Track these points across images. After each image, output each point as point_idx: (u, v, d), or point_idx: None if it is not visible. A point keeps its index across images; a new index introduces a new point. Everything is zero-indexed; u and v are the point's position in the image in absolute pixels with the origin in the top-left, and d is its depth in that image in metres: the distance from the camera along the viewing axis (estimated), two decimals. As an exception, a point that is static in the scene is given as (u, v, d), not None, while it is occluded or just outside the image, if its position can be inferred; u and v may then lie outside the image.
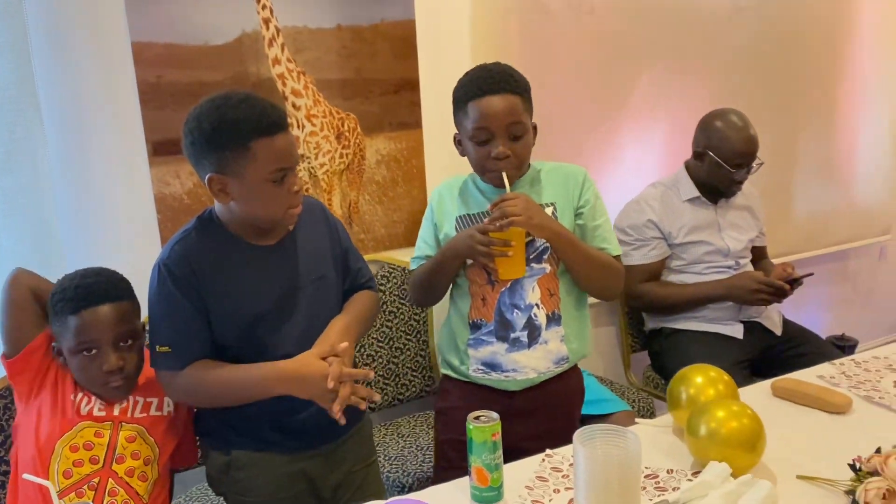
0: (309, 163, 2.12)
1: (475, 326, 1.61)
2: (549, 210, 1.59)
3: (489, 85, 1.49)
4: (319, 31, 2.06)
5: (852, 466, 1.15)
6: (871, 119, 3.14)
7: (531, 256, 1.57)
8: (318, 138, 2.11)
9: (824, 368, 1.70)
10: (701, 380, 1.47)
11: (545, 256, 1.57)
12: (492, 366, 1.61)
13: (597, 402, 2.09)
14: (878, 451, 1.13)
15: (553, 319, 1.59)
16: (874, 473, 1.10)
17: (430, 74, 2.23)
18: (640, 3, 2.53)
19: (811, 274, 2.25)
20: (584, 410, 1.76)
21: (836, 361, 1.73)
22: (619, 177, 2.61)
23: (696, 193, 2.32)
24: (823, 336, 3.23)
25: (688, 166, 2.36)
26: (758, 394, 1.60)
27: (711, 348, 2.23)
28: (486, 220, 1.51)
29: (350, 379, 1.32)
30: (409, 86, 2.22)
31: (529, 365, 1.59)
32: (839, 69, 3.02)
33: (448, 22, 2.24)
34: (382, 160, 2.23)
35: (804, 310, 3.22)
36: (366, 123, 2.18)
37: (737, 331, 2.28)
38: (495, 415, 1.19)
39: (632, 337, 2.56)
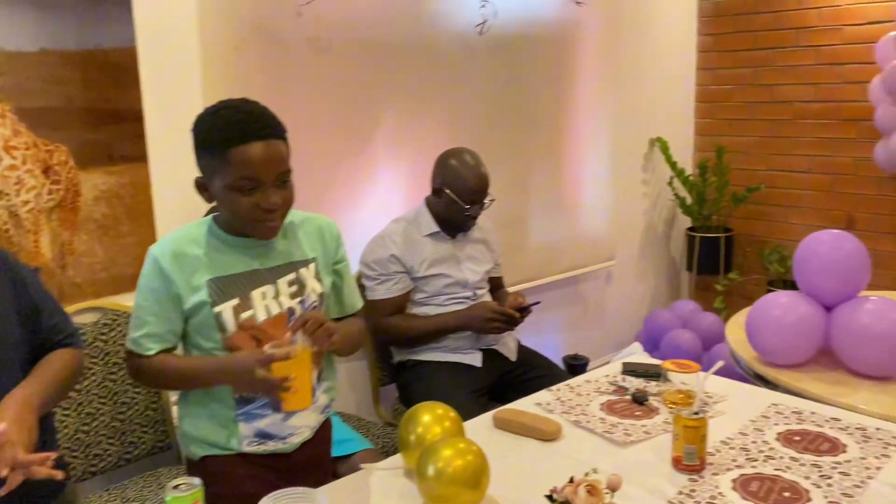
0: (9, 200, 1.88)
1: (244, 401, 1.49)
2: (311, 266, 1.54)
3: (254, 130, 1.38)
4: (19, 55, 1.84)
5: (549, 497, 1.22)
6: (593, 157, 3.48)
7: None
8: (19, 172, 1.88)
9: (542, 395, 1.81)
10: (428, 418, 1.49)
11: None
12: (267, 435, 1.51)
13: (339, 442, 2.06)
14: (571, 480, 1.21)
15: (320, 378, 1.58)
16: (567, 503, 1.17)
17: (156, 106, 2.09)
18: (377, 43, 2.59)
19: (538, 302, 2.41)
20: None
21: (554, 387, 1.86)
22: (365, 213, 2.63)
23: (436, 228, 2.40)
24: (559, 356, 3.51)
25: (428, 202, 2.44)
26: (482, 426, 1.66)
27: (453, 378, 2.31)
28: (269, 346, 1.37)
29: (24, 466, 1.13)
30: (132, 117, 2.06)
31: (305, 425, 1.56)
32: (564, 112, 3.31)
33: (174, 51, 2.11)
34: (102, 196, 2.04)
35: (544, 332, 3.46)
36: (81, 156, 1.98)
37: (476, 359, 2.38)
38: (196, 481, 1.10)
39: (381, 370, 2.57)
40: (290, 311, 1.49)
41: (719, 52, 3.99)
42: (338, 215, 2.58)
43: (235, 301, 1.45)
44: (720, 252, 3.88)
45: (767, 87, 3.85)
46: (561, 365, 3.44)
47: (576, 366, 3.32)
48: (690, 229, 3.99)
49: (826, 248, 1.99)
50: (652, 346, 3.64)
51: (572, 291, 3.63)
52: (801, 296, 2.04)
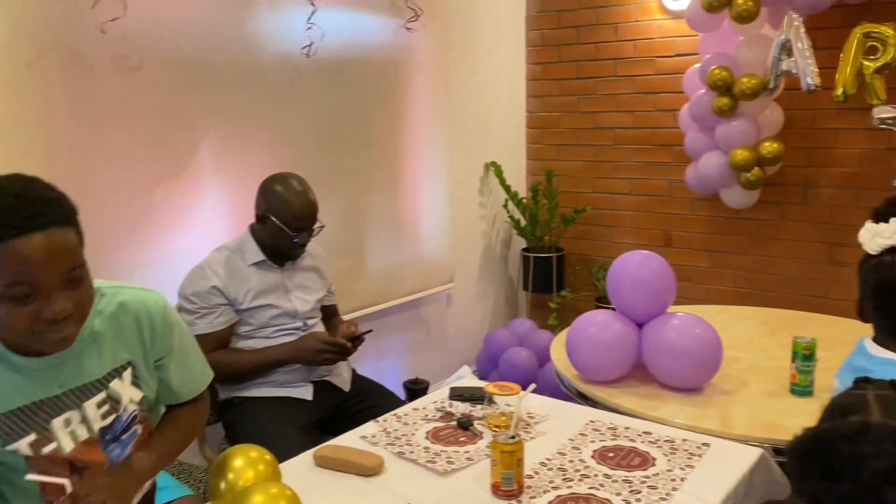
0: None
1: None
2: (126, 374, 1.30)
3: (24, 219, 1.06)
4: None
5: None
6: (430, 181, 3.51)
7: (109, 438, 1.30)
8: None
9: (367, 427, 1.77)
10: (241, 462, 1.41)
11: (133, 426, 1.34)
12: None
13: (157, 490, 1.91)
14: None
15: None
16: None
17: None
18: (194, 63, 2.47)
19: (370, 330, 2.37)
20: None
21: (381, 418, 1.82)
22: (186, 242, 2.48)
23: (262, 257, 2.30)
24: (400, 380, 3.48)
25: (252, 230, 2.34)
26: (302, 466, 1.59)
27: (282, 413, 2.21)
28: None
29: None
30: None
31: None
32: (400, 136, 3.32)
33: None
34: None
35: (385, 358, 3.43)
36: None
37: (307, 392, 2.30)
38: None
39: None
40: (103, 430, 1.29)
41: (547, 81, 4.17)
42: (153, 246, 2.42)
43: (32, 437, 1.21)
44: (553, 271, 4.03)
45: (591, 114, 4.06)
46: (401, 390, 3.42)
47: (416, 390, 3.31)
48: (525, 250, 4.12)
49: (635, 268, 2.10)
50: (491, 366, 3.71)
51: (413, 315, 3.62)
52: (616, 314, 2.14)
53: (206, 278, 2.22)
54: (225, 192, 2.62)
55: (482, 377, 3.82)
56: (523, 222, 4.06)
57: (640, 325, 2.11)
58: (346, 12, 2.97)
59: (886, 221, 1.44)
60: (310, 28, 2.77)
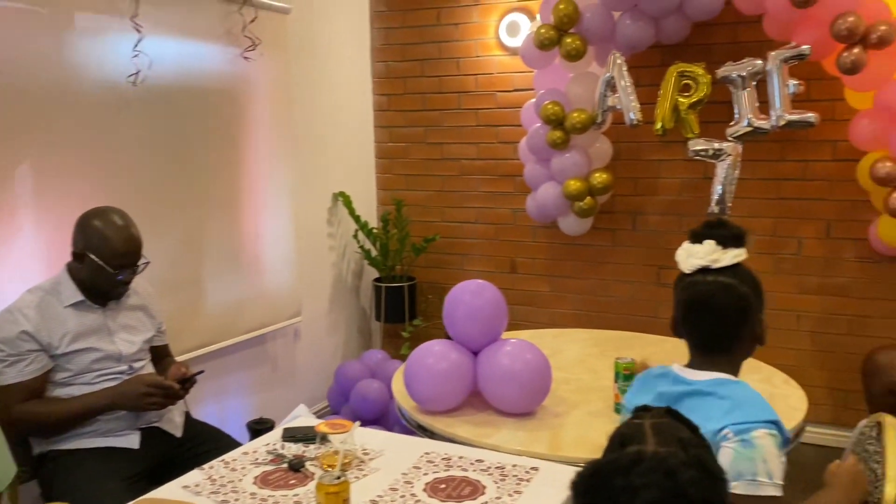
0: None
1: None
2: None
3: None
4: None
5: None
6: (274, 213, 3.43)
7: None
8: None
9: (192, 476, 1.68)
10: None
11: None
12: None
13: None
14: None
15: None
16: None
17: None
18: (6, 89, 2.29)
19: (202, 371, 2.27)
20: None
21: (206, 465, 1.73)
22: (-6, 282, 2.28)
23: (80, 297, 2.14)
24: (244, 421, 3.34)
25: (69, 269, 2.18)
26: (113, 523, 1.48)
27: (105, 465, 2.06)
28: None
29: None
30: None
31: None
32: (241, 167, 3.22)
33: None
34: None
35: (228, 398, 3.29)
36: None
37: (133, 441, 2.15)
38: None
39: (19, 466, 2.21)
40: None
41: (394, 112, 4.22)
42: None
43: None
44: (405, 300, 4.04)
45: (438, 145, 4.14)
46: (245, 431, 3.28)
47: (260, 430, 3.18)
48: (377, 279, 4.11)
49: (469, 297, 2.14)
50: (343, 399, 3.65)
51: (259, 351, 3.51)
52: (452, 343, 2.17)
53: (14, 322, 2.04)
54: (42, 230, 2.43)
55: (334, 411, 3.75)
56: (374, 252, 4.06)
57: (475, 353, 2.15)
58: (177, 40, 2.87)
59: (701, 243, 1.51)
60: (136, 56, 2.65)
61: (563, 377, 2.34)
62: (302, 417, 2.05)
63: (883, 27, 2.78)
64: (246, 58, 3.16)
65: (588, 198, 3.48)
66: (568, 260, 3.92)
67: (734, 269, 1.49)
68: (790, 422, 2.04)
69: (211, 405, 3.14)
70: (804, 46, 2.91)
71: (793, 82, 2.97)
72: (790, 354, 3.49)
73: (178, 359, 2.62)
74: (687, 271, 1.53)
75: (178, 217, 2.93)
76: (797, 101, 3.02)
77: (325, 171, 3.90)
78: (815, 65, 3.09)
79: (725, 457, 1.35)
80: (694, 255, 1.51)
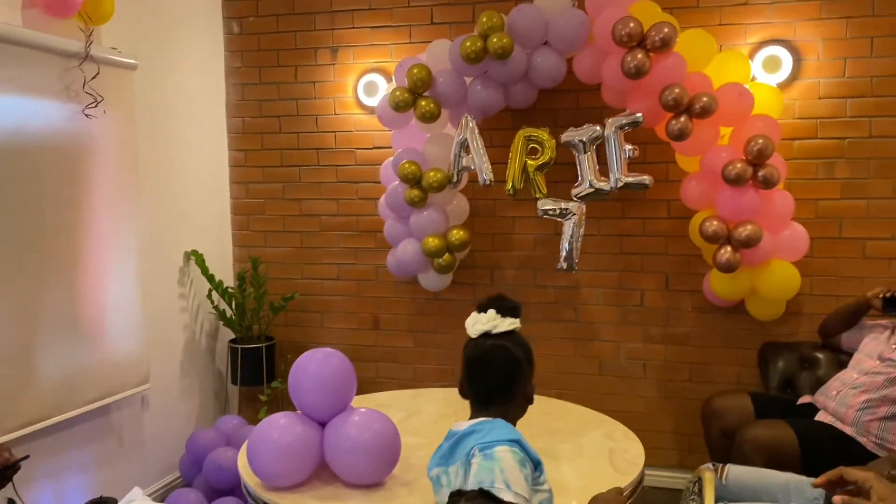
0: None
1: None
2: None
3: None
4: None
5: None
6: (118, 275, 3.24)
7: None
8: None
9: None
10: None
11: None
12: None
13: None
14: None
15: None
16: None
17: None
18: None
19: (27, 457, 2.10)
20: None
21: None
22: None
23: None
24: (84, 501, 3.10)
25: None
26: None
27: None
28: None
29: None
30: None
31: None
32: (81, 229, 3.04)
33: None
34: None
35: (67, 477, 3.04)
36: None
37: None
38: None
39: None
40: None
41: (251, 168, 4.14)
42: None
43: None
44: (263, 361, 3.92)
45: (297, 201, 4.10)
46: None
47: (100, 511, 2.96)
48: (233, 341, 3.97)
49: (315, 366, 2.10)
50: (196, 469, 3.46)
51: (102, 423, 3.27)
52: (298, 415, 2.11)
53: None
54: None
55: (186, 483, 3.56)
56: (229, 313, 3.92)
57: (322, 425, 2.11)
58: (9, 97, 2.69)
59: (486, 312, 1.77)
60: (-43, 113, 2.46)
61: (416, 442, 2.33)
62: (137, 502, 1.92)
63: (705, 98, 3.04)
64: (87, 115, 3.01)
65: (447, 254, 3.54)
66: (430, 315, 3.95)
67: (511, 335, 1.77)
68: (628, 476, 2.13)
69: (45, 487, 2.90)
70: (637, 114, 3.13)
71: (628, 147, 3.17)
72: (639, 402, 3.66)
73: (3, 440, 2.41)
74: (473, 336, 1.78)
75: (6, 284, 2.71)
76: (634, 164, 3.23)
77: (176, 230, 3.75)
78: (650, 130, 3.32)
79: (471, 470, 1.55)
80: (479, 322, 1.77)
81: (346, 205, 4.03)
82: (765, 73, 3.33)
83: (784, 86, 3.34)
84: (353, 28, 3.91)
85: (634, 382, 3.68)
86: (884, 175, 3.29)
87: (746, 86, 3.13)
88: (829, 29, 3.30)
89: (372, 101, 3.86)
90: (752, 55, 3.36)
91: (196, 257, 3.79)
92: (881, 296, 2.94)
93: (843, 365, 3.07)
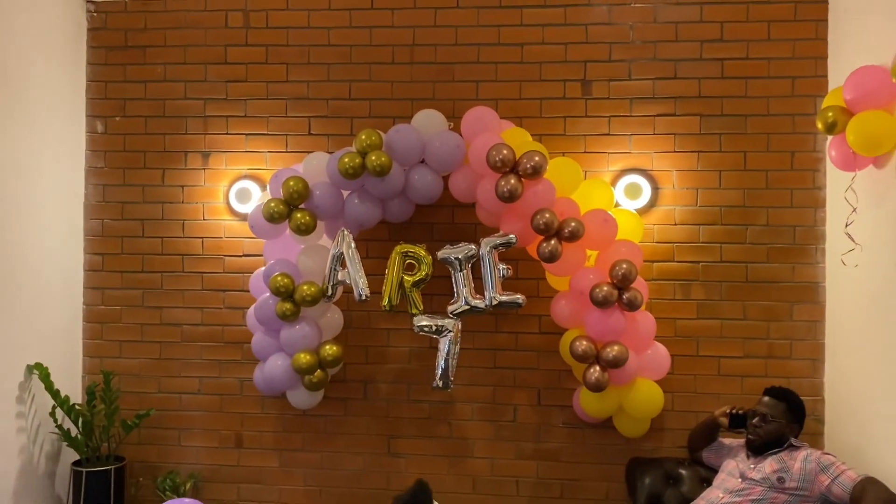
0: None
1: None
2: None
3: None
4: None
5: None
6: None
7: None
8: None
9: None
10: None
11: None
12: None
13: None
14: None
15: None
16: None
17: None
18: None
19: None
20: None
21: None
22: None
23: None
24: None
25: None
26: None
27: None
28: None
29: None
30: None
31: None
32: None
33: None
34: None
35: None
36: None
37: None
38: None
39: None
40: None
41: (108, 273, 3.87)
42: None
43: None
44: (110, 485, 3.55)
45: (158, 309, 3.85)
46: None
47: None
48: (76, 463, 3.58)
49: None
50: None
51: None
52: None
53: None
54: None
55: None
56: (75, 431, 3.56)
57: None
58: None
59: None
60: None
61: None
62: None
63: (573, 223, 3.18)
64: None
65: (319, 371, 3.41)
66: (298, 432, 3.77)
67: None
68: None
69: None
70: (511, 236, 3.23)
71: (502, 266, 3.25)
72: (511, 520, 3.62)
73: None
74: None
75: None
76: (508, 279, 3.29)
77: (16, 342, 3.40)
78: (523, 248, 3.41)
79: None
80: None
81: (212, 314, 3.83)
82: (626, 200, 3.55)
83: (643, 211, 3.56)
84: (226, 134, 3.83)
85: (507, 500, 3.64)
86: (734, 297, 3.54)
87: (610, 212, 3.31)
88: (682, 161, 3.58)
89: (244, 208, 3.75)
90: (614, 182, 3.58)
91: (40, 371, 3.44)
92: (728, 413, 3.11)
93: (704, 481, 3.18)
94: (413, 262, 3.32)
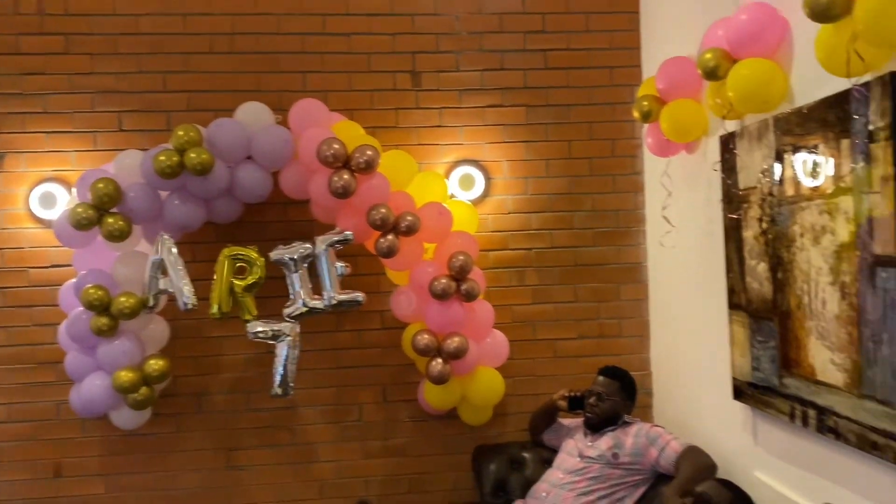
0: None
1: None
2: None
3: None
4: None
5: None
6: None
7: None
8: None
9: None
10: None
11: None
12: None
13: None
14: None
15: None
16: None
17: None
18: None
19: None
20: None
21: None
22: None
23: None
24: None
25: None
26: None
27: None
28: None
29: None
30: None
31: None
32: None
33: None
34: None
35: None
36: None
37: None
38: None
39: None
40: None
41: None
42: None
43: None
44: None
45: (-49, 332, 3.40)
46: None
47: None
48: None
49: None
50: None
51: None
52: None
53: None
54: None
55: None
56: None
57: None
58: None
59: None
60: None
61: None
62: None
63: (409, 217, 3.14)
64: None
65: (144, 388, 3.15)
66: (126, 454, 3.47)
67: None
68: None
69: None
70: (348, 232, 3.13)
71: (340, 265, 3.15)
72: (361, 523, 3.55)
73: None
74: None
75: None
76: (347, 276, 3.19)
77: None
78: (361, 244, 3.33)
79: None
80: None
81: (19, 333, 3.43)
82: (461, 191, 3.56)
83: (477, 202, 3.59)
84: (24, 133, 3.42)
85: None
86: (565, 281, 3.67)
87: (445, 204, 3.30)
88: (512, 151, 3.65)
89: (49, 214, 3.38)
90: (448, 173, 3.58)
91: None
92: (566, 396, 3.22)
93: (546, 463, 3.27)
94: (244, 264, 3.14)
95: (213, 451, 3.52)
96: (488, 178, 3.62)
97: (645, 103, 3.05)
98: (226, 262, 3.11)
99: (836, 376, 2.12)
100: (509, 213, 3.65)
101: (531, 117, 3.64)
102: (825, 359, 2.17)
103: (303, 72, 3.55)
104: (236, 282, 3.12)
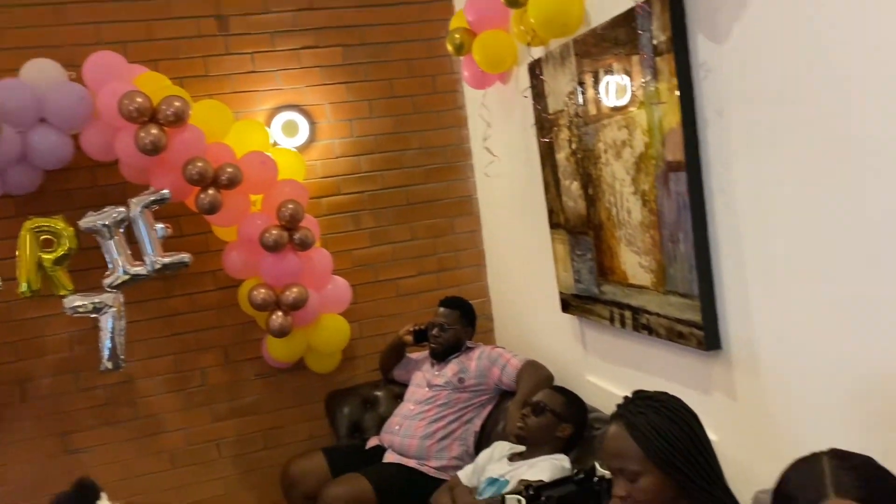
0: None
1: None
2: None
3: None
4: None
5: None
6: None
7: None
8: None
9: None
10: None
11: None
12: None
13: None
14: None
15: None
16: None
17: None
18: None
19: None
20: None
21: None
22: None
23: None
24: None
25: None
26: None
27: None
28: None
29: None
30: None
31: None
32: None
33: None
34: None
35: None
36: None
37: None
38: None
39: None
40: None
41: None
42: None
43: None
44: None
45: None
46: None
47: None
48: None
49: None
50: None
51: None
52: None
53: None
54: None
55: None
56: None
57: None
58: None
59: None
60: None
61: None
62: None
63: (230, 169, 3.01)
64: None
65: (-49, 382, 2.87)
66: (-57, 457, 3.18)
67: None
68: None
69: None
70: (164, 191, 2.96)
71: (160, 226, 2.99)
72: (217, 484, 3.49)
73: None
74: None
75: None
76: (171, 239, 3.05)
77: None
78: (182, 203, 3.17)
79: None
80: None
81: None
82: (285, 138, 3.45)
83: (303, 149, 3.51)
84: None
85: (210, 466, 3.48)
86: (401, 221, 3.69)
87: (268, 153, 3.20)
88: (332, 93, 3.58)
89: None
90: (268, 122, 3.46)
91: None
92: (411, 331, 3.29)
93: (399, 398, 3.34)
94: (50, 236, 2.90)
95: (46, 437, 3.28)
96: (312, 123, 3.54)
97: (457, 36, 3.07)
98: (28, 236, 2.86)
99: (645, 277, 2.29)
100: (338, 158, 3.60)
101: (349, 57, 3.58)
102: (634, 263, 2.34)
103: (96, 23, 3.26)
104: (44, 255, 2.88)
